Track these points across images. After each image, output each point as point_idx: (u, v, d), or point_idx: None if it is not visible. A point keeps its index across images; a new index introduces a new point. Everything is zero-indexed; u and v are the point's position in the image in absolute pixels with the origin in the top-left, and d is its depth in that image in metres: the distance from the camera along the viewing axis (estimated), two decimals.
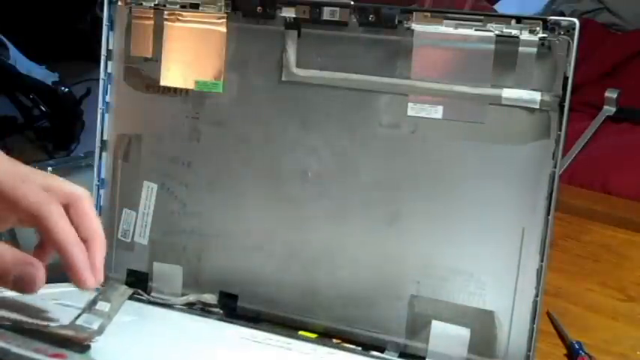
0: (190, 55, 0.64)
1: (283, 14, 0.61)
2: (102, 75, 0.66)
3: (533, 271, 0.55)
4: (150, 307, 0.64)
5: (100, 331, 0.54)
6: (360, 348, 0.59)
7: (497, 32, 0.56)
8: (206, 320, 0.62)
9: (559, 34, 0.54)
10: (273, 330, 0.60)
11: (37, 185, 0.48)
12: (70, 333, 0.51)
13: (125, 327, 0.57)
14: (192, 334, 0.59)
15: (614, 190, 1.18)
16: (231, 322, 0.62)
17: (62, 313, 0.55)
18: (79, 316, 0.55)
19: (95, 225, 0.51)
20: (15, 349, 0.46)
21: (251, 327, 0.61)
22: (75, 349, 0.49)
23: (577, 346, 0.63)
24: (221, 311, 0.64)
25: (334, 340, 0.60)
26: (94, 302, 0.57)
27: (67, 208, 0.50)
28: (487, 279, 0.57)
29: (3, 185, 0.47)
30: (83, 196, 0.51)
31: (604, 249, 0.86)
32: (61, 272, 0.50)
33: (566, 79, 0.54)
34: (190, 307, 0.64)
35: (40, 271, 0.47)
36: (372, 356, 0.58)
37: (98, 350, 0.50)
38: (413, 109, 0.58)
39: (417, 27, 0.58)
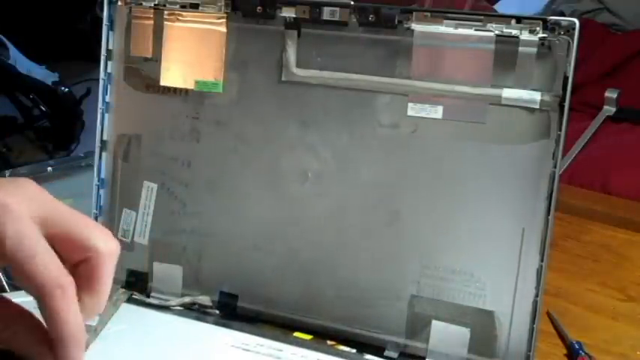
0: (190, 55, 0.64)
1: (283, 14, 0.61)
2: (102, 75, 0.66)
3: (533, 271, 0.55)
4: (145, 311, 0.63)
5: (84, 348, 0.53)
6: (354, 350, 0.59)
7: (497, 32, 0.56)
8: (200, 325, 0.62)
9: (559, 34, 0.54)
10: (268, 333, 0.60)
11: (50, 256, 0.39)
12: None
13: (115, 335, 0.57)
14: (182, 341, 0.59)
15: (614, 190, 1.18)
16: (227, 326, 0.61)
17: None
18: None
19: (98, 303, 0.42)
20: None
21: (245, 331, 0.60)
22: None
23: (577, 346, 0.63)
24: (218, 312, 0.64)
25: (329, 342, 0.60)
26: None
27: (79, 264, 0.41)
28: (487, 279, 0.57)
29: (15, 258, 0.39)
30: (106, 255, 0.41)
31: (604, 249, 0.86)
32: None
33: (566, 79, 0.54)
34: (188, 308, 0.64)
35: None
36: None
37: None
38: (413, 109, 0.58)
39: (417, 27, 0.58)
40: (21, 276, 0.39)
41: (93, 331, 0.57)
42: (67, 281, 0.40)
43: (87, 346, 0.53)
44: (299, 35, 0.61)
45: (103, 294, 0.42)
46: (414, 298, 0.59)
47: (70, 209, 0.42)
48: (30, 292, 0.40)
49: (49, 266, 0.39)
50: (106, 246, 0.42)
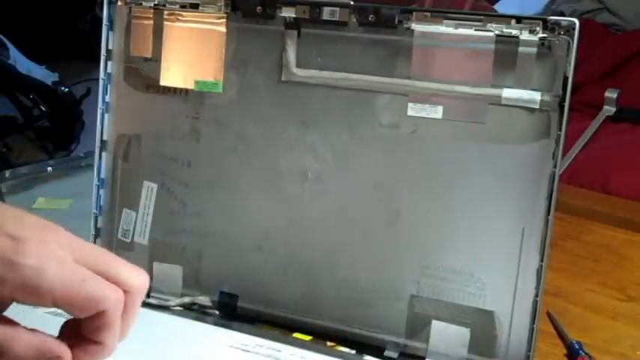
0: (190, 55, 0.64)
1: (283, 14, 0.61)
2: (102, 75, 0.66)
3: (533, 271, 0.55)
4: (145, 311, 0.63)
5: None
6: (354, 351, 0.59)
7: (497, 32, 0.56)
8: (200, 325, 0.62)
9: (559, 34, 0.54)
10: (268, 334, 0.60)
11: (99, 278, 0.42)
12: None
13: None
14: (181, 342, 0.59)
15: (614, 190, 1.18)
16: (226, 327, 0.61)
17: (50, 326, 0.54)
18: None
19: (127, 330, 0.45)
20: None
21: (245, 331, 0.60)
22: None
23: (577, 346, 0.63)
24: (217, 312, 0.64)
25: (328, 343, 0.60)
26: None
27: None
28: (487, 279, 0.57)
29: (64, 291, 0.41)
30: (138, 289, 0.44)
31: (604, 249, 0.86)
32: None
33: (566, 79, 0.54)
34: (188, 309, 0.64)
35: None
36: None
37: None
38: (413, 109, 0.58)
39: (417, 27, 0.58)
40: (73, 304, 0.41)
41: None
42: (122, 294, 0.43)
43: None
44: (299, 35, 0.61)
45: (133, 321, 0.46)
46: (414, 298, 0.59)
47: (99, 248, 0.45)
48: (81, 313, 0.42)
49: (104, 283, 0.42)
50: (138, 281, 0.45)
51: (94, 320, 0.42)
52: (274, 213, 0.62)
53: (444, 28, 0.57)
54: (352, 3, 0.59)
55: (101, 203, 0.68)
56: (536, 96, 0.55)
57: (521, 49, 0.55)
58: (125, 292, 0.43)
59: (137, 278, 0.45)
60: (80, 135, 1.91)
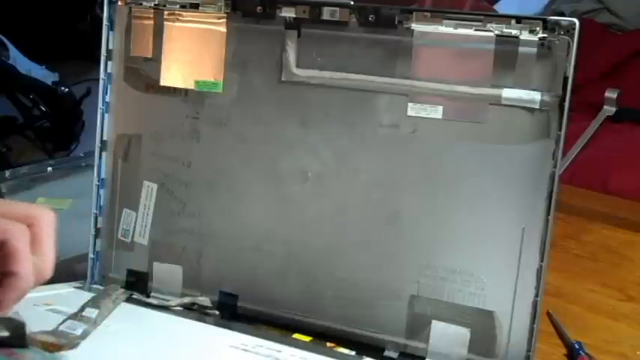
0: (190, 55, 0.64)
1: (283, 14, 0.61)
2: (102, 75, 0.66)
3: (533, 271, 0.55)
4: (145, 311, 0.64)
5: (83, 336, 0.54)
6: (353, 353, 0.59)
7: (497, 32, 0.56)
8: (199, 326, 0.62)
9: (559, 34, 0.54)
10: (268, 334, 0.60)
11: None
12: (49, 339, 0.51)
13: (115, 335, 0.57)
14: (180, 342, 0.59)
15: (614, 190, 1.18)
16: (226, 327, 0.61)
17: (51, 322, 0.54)
18: (63, 322, 0.55)
19: (47, 262, 0.46)
20: None
21: (244, 332, 0.60)
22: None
23: (577, 346, 0.63)
24: (217, 312, 0.64)
25: (328, 344, 0.60)
26: (82, 309, 0.58)
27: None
28: (487, 279, 0.57)
29: None
30: (42, 218, 0.46)
31: (604, 249, 0.86)
32: (59, 273, 0.50)
33: (566, 79, 0.54)
34: (188, 308, 0.64)
35: None
36: None
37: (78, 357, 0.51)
38: (413, 109, 0.58)
39: (417, 27, 0.58)
40: None
41: (92, 323, 0.57)
42: (21, 225, 0.45)
43: (85, 336, 0.54)
44: (299, 35, 0.61)
45: (49, 255, 0.47)
46: (414, 298, 0.59)
47: None
48: None
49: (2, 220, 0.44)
50: (43, 212, 0.47)
51: (1, 254, 0.44)
52: (274, 213, 0.62)
53: (444, 28, 0.57)
54: (352, 3, 0.59)
55: (101, 203, 0.68)
56: (536, 96, 0.55)
57: (521, 49, 0.55)
58: (31, 225, 0.45)
59: (42, 211, 0.47)
60: (80, 135, 1.91)
